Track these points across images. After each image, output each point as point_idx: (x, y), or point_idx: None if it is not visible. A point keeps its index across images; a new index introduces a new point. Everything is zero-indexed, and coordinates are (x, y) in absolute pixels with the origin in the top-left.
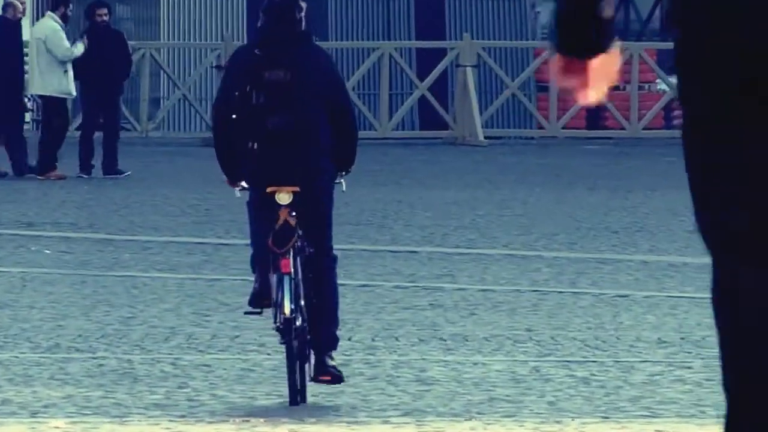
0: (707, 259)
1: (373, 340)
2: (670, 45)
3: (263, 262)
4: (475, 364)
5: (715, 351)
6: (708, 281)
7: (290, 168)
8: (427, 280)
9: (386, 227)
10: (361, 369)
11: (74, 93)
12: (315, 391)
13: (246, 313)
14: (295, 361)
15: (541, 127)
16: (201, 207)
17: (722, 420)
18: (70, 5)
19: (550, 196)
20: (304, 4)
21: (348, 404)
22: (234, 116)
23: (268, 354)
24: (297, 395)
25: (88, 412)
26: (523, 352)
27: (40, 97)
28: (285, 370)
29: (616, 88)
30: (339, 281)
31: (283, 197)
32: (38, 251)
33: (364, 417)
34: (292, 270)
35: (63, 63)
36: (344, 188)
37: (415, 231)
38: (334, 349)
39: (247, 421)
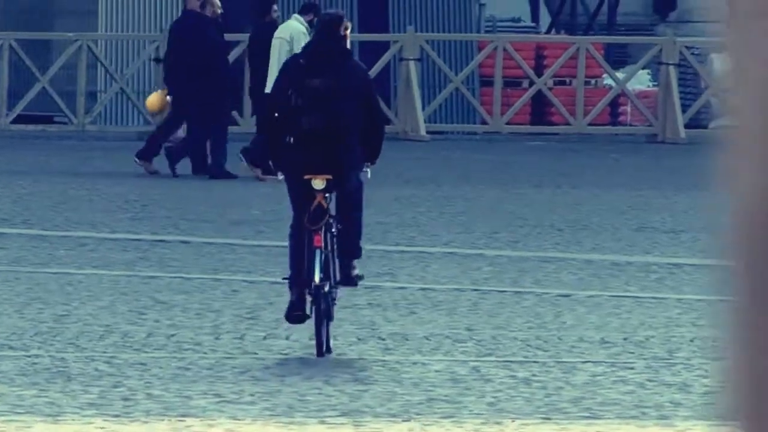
0: (651, 258)
1: (311, 339)
2: (617, 39)
3: (299, 283)
4: (414, 363)
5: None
6: (650, 281)
7: (322, 160)
8: (366, 279)
9: None
10: (298, 369)
11: None
12: (252, 391)
13: (285, 278)
14: (322, 320)
15: (484, 123)
16: (137, 203)
17: (663, 421)
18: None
19: (493, 192)
20: (349, 24)
21: (285, 404)
22: (276, 114)
23: (204, 353)
24: (323, 348)
25: (21, 411)
26: (463, 352)
27: None
28: (314, 325)
29: (561, 82)
30: (276, 279)
31: (318, 183)
32: None
33: (300, 417)
34: (323, 244)
35: None
36: (369, 176)
37: None
38: (358, 257)
39: (182, 420)
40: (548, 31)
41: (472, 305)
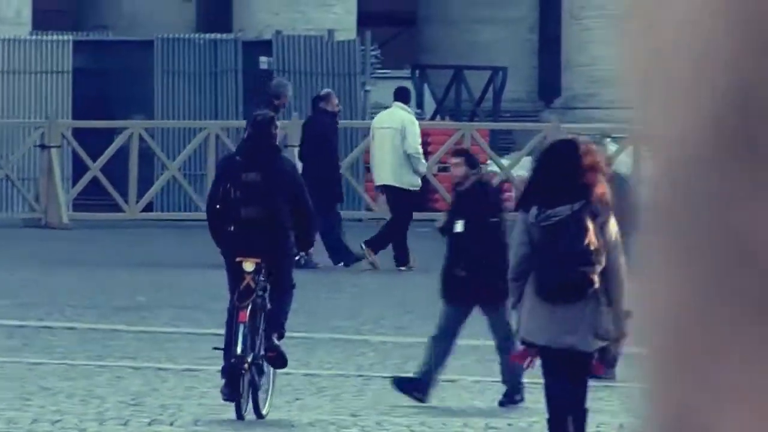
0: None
1: (195, 424)
2: (501, 125)
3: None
4: None
5: None
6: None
7: (254, 245)
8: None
9: (212, 310)
10: None
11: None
12: None
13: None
14: (237, 384)
15: (369, 209)
16: (22, 290)
17: None
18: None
19: (381, 278)
20: (279, 123)
21: None
22: (218, 206)
23: None
24: (241, 413)
25: None
26: None
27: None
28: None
29: (445, 168)
30: (162, 365)
31: (248, 265)
32: None
33: None
34: (247, 320)
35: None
36: (303, 262)
37: None
38: (282, 336)
39: None
40: (433, 117)
41: (357, 391)
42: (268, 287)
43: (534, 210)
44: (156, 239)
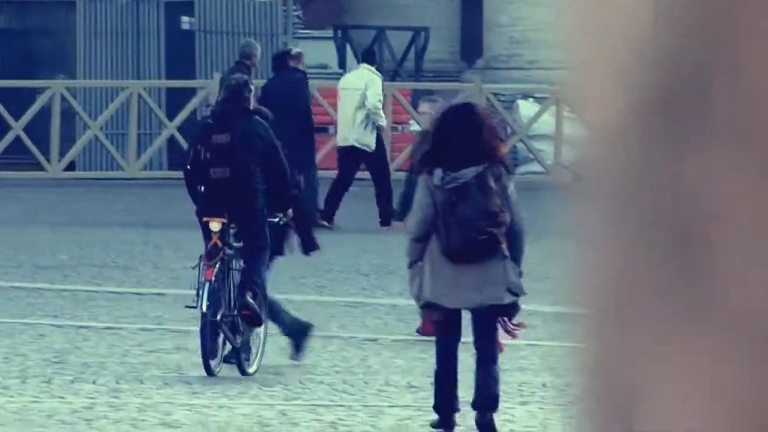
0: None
1: (117, 383)
2: (423, 85)
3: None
4: (221, 407)
5: (464, 395)
6: None
7: (221, 205)
8: (173, 323)
9: (132, 269)
10: (105, 412)
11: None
12: None
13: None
14: (206, 341)
15: None
16: None
17: None
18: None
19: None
20: (252, 87)
21: None
22: (189, 167)
23: (11, 397)
24: (210, 368)
25: None
26: (270, 396)
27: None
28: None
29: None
30: (84, 323)
31: (215, 225)
32: None
33: None
34: (213, 278)
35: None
36: (281, 223)
37: (162, 273)
38: (256, 294)
39: None
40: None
41: (280, 350)
42: (239, 247)
43: (439, 173)
44: (78, 198)
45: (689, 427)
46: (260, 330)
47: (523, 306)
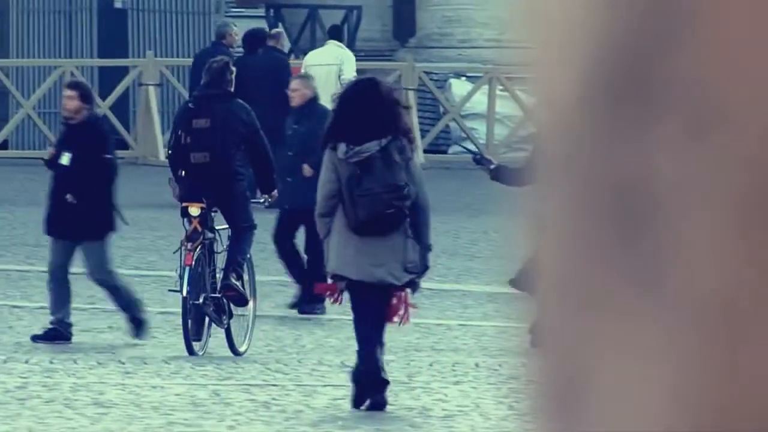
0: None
1: (51, 362)
2: (357, 64)
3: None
4: (154, 387)
5: (398, 375)
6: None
7: (200, 189)
8: (106, 303)
9: None
10: (38, 392)
11: None
12: None
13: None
14: (187, 324)
15: None
16: None
17: None
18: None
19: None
20: (234, 69)
21: (25, 427)
22: (170, 152)
23: None
24: (192, 349)
25: None
26: (203, 376)
27: None
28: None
29: None
30: (17, 303)
31: (194, 210)
32: None
33: None
34: (193, 263)
35: None
36: (267, 205)
37: None
38: (240, 274)
39: None
40: (287, 56)
41: (213, 329)
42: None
43: (342, 147)
44: (11, 177)
45: (635, 427)
46: (249, 309)
47: (458, 286)
